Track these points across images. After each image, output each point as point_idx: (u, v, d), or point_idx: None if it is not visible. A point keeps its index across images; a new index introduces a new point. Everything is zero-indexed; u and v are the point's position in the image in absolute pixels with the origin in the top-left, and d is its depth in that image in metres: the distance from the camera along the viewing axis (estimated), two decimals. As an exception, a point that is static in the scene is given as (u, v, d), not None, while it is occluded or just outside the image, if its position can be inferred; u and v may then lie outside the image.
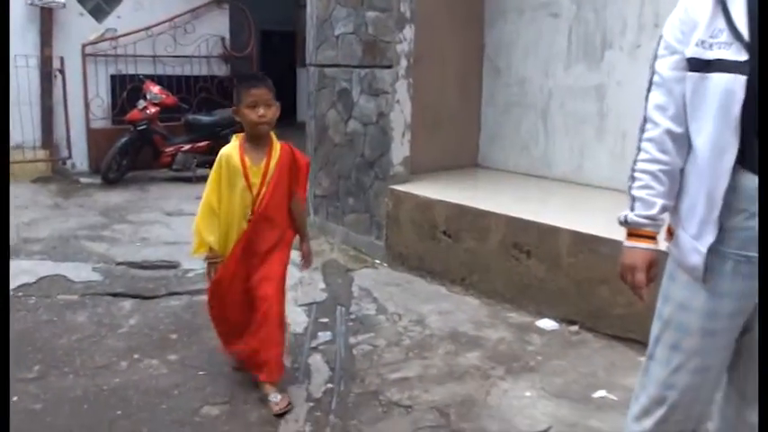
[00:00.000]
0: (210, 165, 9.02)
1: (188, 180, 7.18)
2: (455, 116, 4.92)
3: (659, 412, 1.72)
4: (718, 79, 1.53)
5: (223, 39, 8.42)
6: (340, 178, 4.92)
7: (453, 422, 2.61)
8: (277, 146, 2.70)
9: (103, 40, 7.63)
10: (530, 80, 4.78)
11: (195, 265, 4.62)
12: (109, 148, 7.07)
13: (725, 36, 1.54)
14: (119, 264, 4.46)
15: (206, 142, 7.28)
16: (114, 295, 3.91)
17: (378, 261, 4.58)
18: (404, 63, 4.42)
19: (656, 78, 1.68)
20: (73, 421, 2.61)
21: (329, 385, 2.91)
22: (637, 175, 1.69)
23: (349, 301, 3.88)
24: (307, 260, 2.94)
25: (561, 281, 3.48)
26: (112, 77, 7.75)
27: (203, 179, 2.85)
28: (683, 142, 1.65)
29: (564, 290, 3.47)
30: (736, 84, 1.50)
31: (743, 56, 1.51)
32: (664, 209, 1.67)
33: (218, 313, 2.87)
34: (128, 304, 3.79)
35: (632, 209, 1.69)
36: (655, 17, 4.03)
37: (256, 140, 2.68)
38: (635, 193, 1.69)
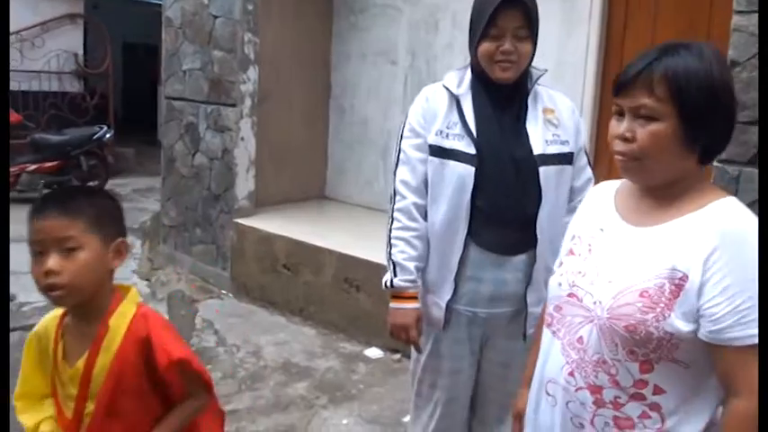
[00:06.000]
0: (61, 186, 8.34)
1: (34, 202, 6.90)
2: (302, 152, 5.17)
3: None
4: (453, 167, 1.87)
5: (76, 55, 8.18)
6: (188, 209, 5.02)
7: (273, 452, 2.85)
8: (119, 325, 1.41)
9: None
10: (372, 120, 5.13)
11: (32, 297, 4.52)
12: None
13: (458, 129, 1.87)
14: (-55, 298, 4.28)
15: (55, 162, 7.05)
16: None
17: (224, 291, 4.72)
18: (248, 102, 4.61)
19: (402, 156, 1.96)
20: None
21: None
22: (393, 241, 1.95)
23: (190, 334, 4.00)
24: None
25: (386, 312, 3.80)
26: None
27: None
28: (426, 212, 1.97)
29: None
30: (467, 173, 1.85)
31: (472, 149, 1.85)
32: (418, 270, 1.97)
33: None
34: (-48, 344, 3.67)
35: (395, 274, 1.95)
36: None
37: (86, 312, 1.43)
38: (395, 258, 1.94)
